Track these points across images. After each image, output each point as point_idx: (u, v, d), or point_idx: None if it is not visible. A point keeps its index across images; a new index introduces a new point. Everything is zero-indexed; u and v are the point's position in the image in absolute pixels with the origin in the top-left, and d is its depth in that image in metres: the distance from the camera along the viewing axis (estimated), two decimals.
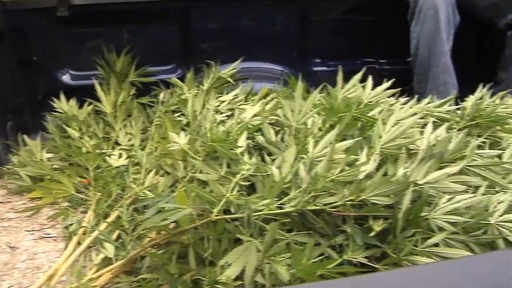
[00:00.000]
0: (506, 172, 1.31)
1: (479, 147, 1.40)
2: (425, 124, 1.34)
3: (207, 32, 1.98)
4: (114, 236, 1.38)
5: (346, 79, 1.51)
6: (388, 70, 2.07)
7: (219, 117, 1.53)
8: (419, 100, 1.55)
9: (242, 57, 1.84)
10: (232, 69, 1.81)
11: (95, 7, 1.85)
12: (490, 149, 1.42)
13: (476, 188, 1.20)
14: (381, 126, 1.26)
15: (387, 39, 2.05)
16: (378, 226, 1.09)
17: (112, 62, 1.89)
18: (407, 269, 0.79)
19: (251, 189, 1.26)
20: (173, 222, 1.18)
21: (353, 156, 1.19)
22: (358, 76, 1.46)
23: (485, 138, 1.43)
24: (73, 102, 1.84)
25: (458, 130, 1.41)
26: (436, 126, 1.34)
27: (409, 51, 1.91)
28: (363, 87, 1.47)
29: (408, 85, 1.94)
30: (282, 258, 1.09)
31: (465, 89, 1.72)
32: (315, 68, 2.08)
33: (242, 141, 1.31)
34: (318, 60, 2.09)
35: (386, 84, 1.49)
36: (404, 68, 1.98)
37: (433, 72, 1.83)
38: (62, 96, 1.83)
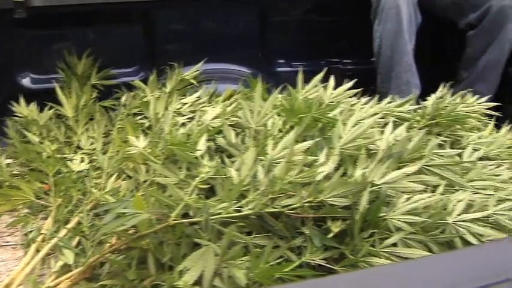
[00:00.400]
0: (466, 171, 1.33)
1: (440, 146, 1.41)
2: (385, 124, 1.34)
3: (170, 34, 1.96)
4: (75, 242, 1.35)
5: (311, 79, 1.50)
6: (353, 70, 2.07)
7: (180, 120, 1.51)
8: (381, 100, 1.55)
9: (205, 59, 1.81)
10: (196, 71, 1.79)
11: (55, 9, 1.81)
12: (450, 147, 1.44)
13: (435, 187, 1.20)
14: (341, 126, 1.26)
15: (351, 39, 2.06)
16: (335, 227, 1.09)
17: (73, 65, 1.86)
18: (360, 272, 0.78)
19: (211, 192, 1.24)
20: (133, 227, 1.16)
21: (311, 157, 1.18)
22: (319, 77, 1.46)
23: (446, 137, 1.44)
24: (33, 106, 1.79)
25: (419, 129, 1.42)
26: (396, 126, 1.34)
27: (373, 51, 1.92)
28: (325, 87, 1.46)
29: (372, 85, 1.95)
30: (241, 262, 1.08)
31: (428, 89, 1.73)
32: (279, 69, 2.08)
33: (202, 144, 1.30)
34: (281, 61, 2.08)
35: (348, 85, 1.50)
36: (369, 68, 1.99)
37: (396, 72, 1.84)
38: (22, 101, 1.79)
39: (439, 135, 1.43)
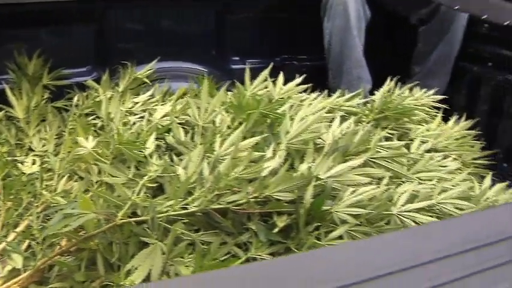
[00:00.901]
0: (413, 163, 1.35)
1: (387, 139, 1.44)
2: (334, 119, 1.35)
3: (123, 33, 1.94)
4: (24, 246, 1.33)
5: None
6: (307, 66, 2.08)
7: (132, 119, 1.50)
8: (331, 95, 1.57)
9: (159, 57, 1.79)
10: (149, 70, 1.77)
11: (3, 8, 1.78)
12: (398, 140, 1.46)
13: (381, 179, 1.22)
14: (288, 121, 1.27)
15: (305, 36, 2.07)
16: (281, 222, 1.10)
17: (24, 65, 1.82)
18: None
19: (160, 191, 1.24)
20: (82, 228, 1.15)
21: (258, 153, 1.19)
22: (266, 72, 1.46)
23: (393, 130, 1.46)
24: None
25: (367, 123, 1.44)
26: (344, 120, 1.36)
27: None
28: (274, 83, 1.47)
29: (327, 81, 1.97)
30: (188, 259, 1.09)
31: (380, 83, 1.75)
32: (234, 66, 2.08)
33: (150, 143, 1.30)
34: (236, 58, 2.08)
35: (297, 80, 1.51)
36: (323, 64, 2.00)
37: (346, 67, 1.86)
38: None
39: (387, 128, 1.45)
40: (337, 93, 1.55)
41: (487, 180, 1.42)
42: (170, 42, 1.98)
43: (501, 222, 0.79)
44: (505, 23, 1.54)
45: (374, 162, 1.23)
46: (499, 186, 1.37)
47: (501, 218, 0.81)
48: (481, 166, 1.59)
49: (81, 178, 1.48)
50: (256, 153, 1.20)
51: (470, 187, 1.37)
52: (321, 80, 1.91)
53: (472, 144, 1.65)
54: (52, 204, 1.42)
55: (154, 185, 1.22)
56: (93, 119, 1.66)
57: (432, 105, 1.64)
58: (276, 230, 1.10)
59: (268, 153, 1.20)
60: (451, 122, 1.63)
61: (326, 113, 1.39)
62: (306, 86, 1.53)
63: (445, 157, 1.46)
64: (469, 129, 1.67)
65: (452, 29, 1.91)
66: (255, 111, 1.32)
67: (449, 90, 1.89)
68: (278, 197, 1.10)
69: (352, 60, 1.85)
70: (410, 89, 1.63)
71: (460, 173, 1.41)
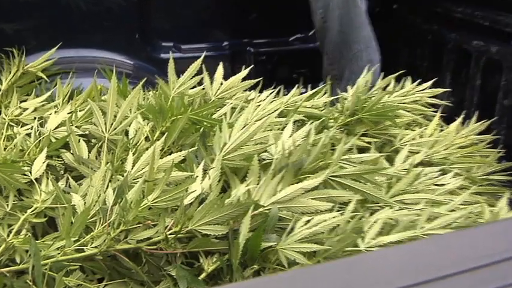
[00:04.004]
0: (395, 181, 1.44)
1: (363, 150, 1.52)
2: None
3: (11, 9, 1.98)
4: None
5: (212, 69, 1.59)
6: (268, 53, 2.16)
7: (20, 130, 1.56)
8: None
9: (60, 43, 1.85)
10: (46, 60, 1.83)
11: None
12: (379, 151, 1.55)
13: (347, 204, 1.30)
14: (226, 130, 1.34)
15: (264, 13, 2.16)
16: (209, 265, 1.18)
17: None
18: None
19: (51, 227, 1.31)
20: None
21: (181, 173, 1.27)
22: (197, 63, 1.54)
23: (372, 138, 1.55)
24: None
25: (337, 129, 1.53)
26: (302, 126, 1.44)
27: (296, 26, 2.03)
28: (211, 78, 1.55)
29: (297, 70, 2.06)
30: None
31: None
32: (163, 55, 2.16)
33: (40, 163, 1.36)
34: (167, 44, 2.16)
35: (243, 72, 1.59)
36: (291, 50, 2.09)
37: (353, 50, 1.98)
38: None
39: (362, 135, 1.54)
40: (295, 90, 1.62)
41: (503, 202, 1.50)
42: (77, 23, 2.05)
43: None
44: None
45: (338, 181, 1.30)
46: None
47: None
48: (496, 183, 1.69)
49: None
50: (181, 173, 1.28)
51: (478, 212, 1.46)
52: (288, 69, 1.97)
53: (487, 153, 1.74)
54: None
55: (42, 220, 1.29)
56: None
57: (428, 102, 1.73)
58: (203, 275, 1.17)
59: (197, 172, 1.27)
60: (453, 125, 1.72)
61: (278, 116, 1.48)
62: (255, 80, 1.61)
63: (444, 172, 1.54)
64: (483, 133, 1.76)
65: None
66: (181, 117, 1.39)
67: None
68: (205, 232, 1.18)
69: (360, 40, 1.95)
70: (397, 81, 1.72)
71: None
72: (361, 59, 2.00)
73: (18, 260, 1.20)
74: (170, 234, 1.18)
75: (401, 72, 1.76)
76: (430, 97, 1.74)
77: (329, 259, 1.21)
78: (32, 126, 1.57)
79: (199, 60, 1.55)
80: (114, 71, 1.45)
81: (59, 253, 1.18)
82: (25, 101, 1.73)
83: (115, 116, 1.40)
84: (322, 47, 2.05)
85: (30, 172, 1.35)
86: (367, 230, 1.26)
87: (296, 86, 1.67)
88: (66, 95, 1.74)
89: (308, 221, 1.23)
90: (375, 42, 2.02)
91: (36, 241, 1.21)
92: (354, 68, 1.99)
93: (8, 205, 1.30)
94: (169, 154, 1.35)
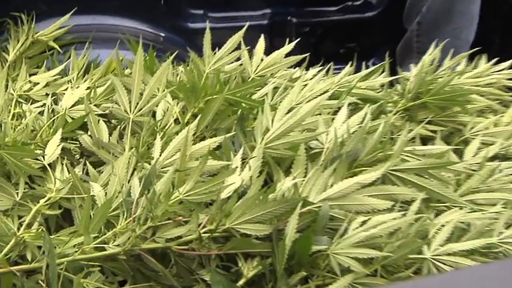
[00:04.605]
0: (464, 178, 1.36)
1: (426, 140, 1.45)
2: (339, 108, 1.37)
3: None
4: None
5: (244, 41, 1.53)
6: (311, 24, 2.09)
7: (30, 108, 1.52)
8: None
9: (75, 9, 1.81)
10: (59, 28, 1.79)
11: None
12: (445, 141, 1.47)
13: (410, 203, 1.23)
14: (268, 114, 1.28)
15: None
16: (249, 270, 1.11)
17: None
18: None
19: (66, 221, 1.27)
20: None
21: (218, 162, 1.21)
22: (239, 34, 1.48)
23: (438, 126, 1.49)
24: None
25: (394, 115, 1.46)
26: (357, 110, 1.37)
27: None
28: (250, 52, 1.50)
29: (345, 45, 2.00)
30: None
31: None
32: (193, 25, 2.11)
33: (53, 146, 1.32)
34: (197, 12, 2.12)
35: (287, 47, 1.53)
36: (338, 20, 2.03)
37: (452, 26, 1.92)
38: None
39: (428, 123, 1.48)
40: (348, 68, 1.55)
41: None
42: None
43: None
44: None
45: (399, 176, 1.23)
46: None
47: None
48: None
49: None
50: (216, 162, 1.22)
51: None
52: (335, 45, 1.92)
53: None
54: None
55: (57, 212, 1.24)
56: None
57: (506, 85, 1.66)
58: (242, 281, 1.11)
59: (235, 162, 1.22)
60: None
61: (329, 99, 1.41)
62: (301, 56, 1.55)
63: None
64: None
65: None
66: (217, 97, 1.34)
67: None
68: (245, 231, 1.12)
69: (466, 14, 1.90)
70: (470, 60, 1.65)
71: None
72: (459, 37, 1.95)
73: (29, 258, 1.16)
74: (204, 232, 1.13)
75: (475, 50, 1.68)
76: (509, 79, 1.67)
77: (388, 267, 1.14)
78: (44, 104, 1.54)
79: (241, 32, 1.49)
80: (140, 42, 1.38)
81: (76, 251, 1.14)
82: (35, 74, 1.70)
83: (141, 94, 1.34)
84: (412, 12, 1.99)
85: (43, 156, 1.31)
86: (433, 234, 1.20)
87: (349, 63, 1.61)
88: (81, 69, 1.71)
89: (364, 222, 1.16)
90: (476, 22, 1.96)
91: (50, 236, 1.17)
92: (446, 45, 1.87)
93: (18, 194, 1.27)
94: (202, 139, 1.30)
